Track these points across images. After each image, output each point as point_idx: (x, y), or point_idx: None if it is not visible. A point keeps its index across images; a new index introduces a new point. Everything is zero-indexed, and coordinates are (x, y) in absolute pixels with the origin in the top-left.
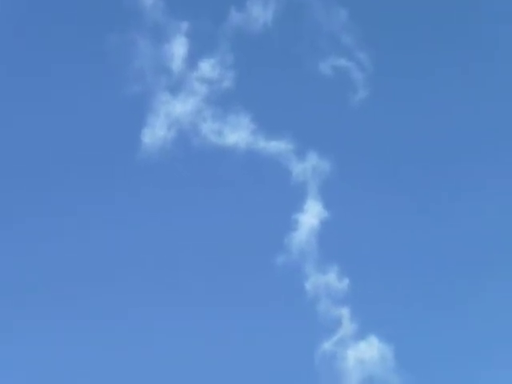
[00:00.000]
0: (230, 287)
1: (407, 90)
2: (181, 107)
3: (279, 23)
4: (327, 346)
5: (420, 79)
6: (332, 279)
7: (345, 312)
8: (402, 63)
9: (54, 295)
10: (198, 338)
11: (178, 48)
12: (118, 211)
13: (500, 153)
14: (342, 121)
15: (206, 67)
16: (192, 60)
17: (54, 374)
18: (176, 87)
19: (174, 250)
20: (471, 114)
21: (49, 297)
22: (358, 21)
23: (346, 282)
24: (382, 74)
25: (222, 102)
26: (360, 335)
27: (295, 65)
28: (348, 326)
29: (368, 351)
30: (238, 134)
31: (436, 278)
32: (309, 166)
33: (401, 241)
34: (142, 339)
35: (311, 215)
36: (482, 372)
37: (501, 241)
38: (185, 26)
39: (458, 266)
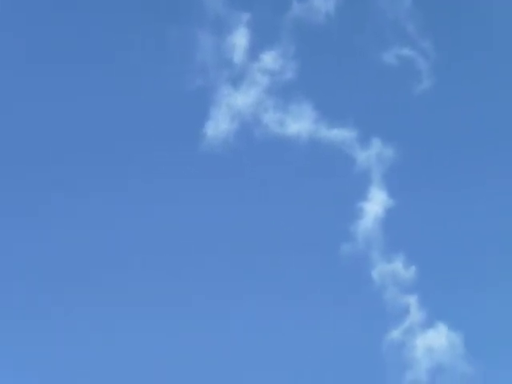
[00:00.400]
0: (298, 276)
1: (471, 79)
2: (243, 99)
3: (341, 13)
4: (395, 334)
5: (483, 69)
6: (398, 267)
7: (412, 300)
8: (467, 51)
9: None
10: (269, 328)
11: (240, 39)
12: (183, 204)
13: None
14: (405, 109)
15: (268, 59)
16: (254, 51)
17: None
18: (238, 79)
19: (241, 241)
20: None
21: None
22: (422, 8)
23: (412, 269)
24: (446, 63)
25: (284, 93)
26: (428, 323)
27: (358, 55)
28: (416, 314)
29: (437, 339)
30: (300, 123)
31: (504, 263)
32: (372, 154)
33: (466, 228)
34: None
35: (376, 203)
36: None
37: None
38: (246, 17)
39: None
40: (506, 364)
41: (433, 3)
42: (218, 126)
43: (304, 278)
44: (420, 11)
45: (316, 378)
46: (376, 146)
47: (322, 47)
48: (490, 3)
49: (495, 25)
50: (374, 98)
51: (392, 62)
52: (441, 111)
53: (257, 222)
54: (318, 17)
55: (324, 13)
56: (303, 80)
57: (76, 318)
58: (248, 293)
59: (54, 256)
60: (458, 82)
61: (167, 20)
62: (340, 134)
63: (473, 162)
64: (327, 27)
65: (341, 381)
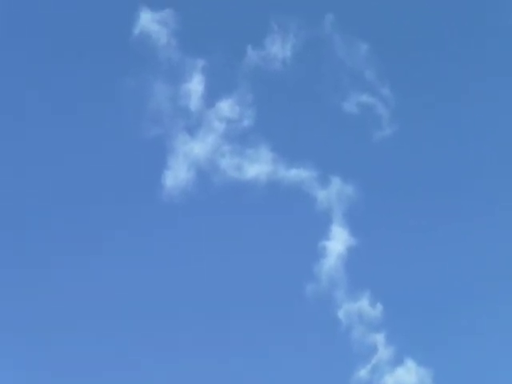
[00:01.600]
0: (263, 320)
1: (431, 124)
2: (200, 146)
3: (298, 60)
4: (363, 373)
5: (442, 113)
6: (364, 306)
7: (380, 338)
8: (426, 96)
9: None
10: (238, 372)
11: (196, 86)
12: (145, 257)
13: None
14: (365, 150)
15: (225, 106)
16: (210, 98)
17: None
18: (194, 127)
19: (201, 287)
20: (497, 149)
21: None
22: (379, 55)
23: (379, 307)
24: (406, 109)
25: (241, 138)
26: (397, 360)
27: (317, 102)
28: (384, 352)
29: (406, 376)
30: (257, 166)
31: (470, 298)
32: (333, 192)
33: (430, 263)
34: None
35: (338, 242)
36: None
37: None
38: (201, 63)
39: (494, 286)
40: None
41: (389, 49)
42: (177, 176)
43: (270, 321)
44: (377, 58)
45: None
46: (336, 184)
47: (279, 94)
48: (445, 47)
49: (452, 69)
50: (333, 139)
51: (352, 110)
52: (400, 155)
53: (220, 267)
54: (275, 64)
55: (280, 60)
56: (260, 125)
57: None
58: (210, 340)
59: None
60: (418, 128)
61: (120, 70)
62: (299, 174)
63: (430, 204)
64: (284, 74)
65: None
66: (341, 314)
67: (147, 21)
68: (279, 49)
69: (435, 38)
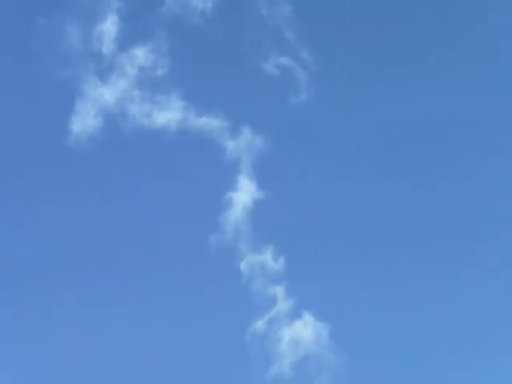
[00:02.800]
0: (166, 268)
1: (349, 90)
2: (110, 92)
3: (219, 13)
4: (260, 324)
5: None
6: (267, 259)
7: (280, 291)
8: (346, 62)
9: None
10: (134, 323)
11: (109, 29)
12: (50, 204)
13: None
14: (277, 107)
15: (139, 53)
16: (124, 43)
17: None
18: (106, 71)
19: (111, 238)
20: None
21: None
22: (302, 17)
23: (281, 261)
24: (325, 73)
25: (152, 86)
26: (295, 314)
27: (234, 58)
28: (283, 305)
29: (303, 330)
30: (167, 113)
31: (371, 254)
32: (242, 143)
33: (335, 218)
34: None
35: (245, 193)
36: (415, 350)
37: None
38: (116, 5)
39: (394, 245)
40: (371, 355)
41: (312, 12)
42: (84, 121)
43: (172, 269)
44: (299, 20)
45: (179, 372)
46: (246, 135)
47: (196, 46)
48: (369, 14)
49: (372, 36)
50: (248, 95)
51: (270, 71)
52: (315, 116)
53: (125, 217)
54: (194, 14)
55: (200, 11)
56: (174, 75)
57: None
58: (119, 289)
59: None
60: (335, 94)
61: (32, 9)
62: (209, 123)
63: (336, 161)
64: (203, 26)
65: (204, 374)
66: (243, 265)
67: None
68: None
69: (359, 4)
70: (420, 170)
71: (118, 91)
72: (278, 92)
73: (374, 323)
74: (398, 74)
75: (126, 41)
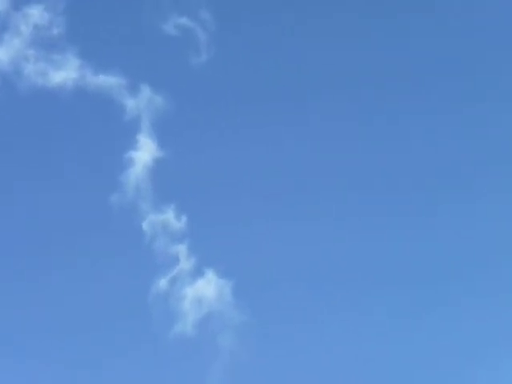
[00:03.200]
0: (65, 231)
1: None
2: (3, 51)
3: None
4: (163, 283)
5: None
6: (169, 218)
7: (182, 249)
8: (246, 24)
9: None
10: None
11: None
12: None
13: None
14: (178, 64)
15: (34, 12)
16: (17, 2)
17: None
18: (1, 32)
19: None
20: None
21: None
22: None
23: (183, 220)
24: (225, 34)
25: (48, 45)
26: (198, 272)
27: (133, 19)
28: (185, 263)
29: (206, 288)
30: (64, 72)
31: (270, 210)
32: (142, 101)
33: (235, 176)
34: None
35: (145, 152)
36: (315, 304)
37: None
38: None
39: (293, 196)
40: (274, 312)
41: None
42: None
43: (72, 230)
44: None
45: (83, 334)
46: (145, 93)
47: (92, 6)
48: None
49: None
50: (147, 53)
51: (170, 32)
52: (215, 71)
53: (21, 179)
54: None
55: None
56: (70, 34)
57: None
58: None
59: None
60: (236, 54)
61: None
62: (107, 81)
63: (238, 118)
64: None
65: (106, 335)
66: (145, 225)
67: None
68: None
69: None
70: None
71: (13, 50)
72: (178, 52)
73: (277, 278)
74: (292, 28)
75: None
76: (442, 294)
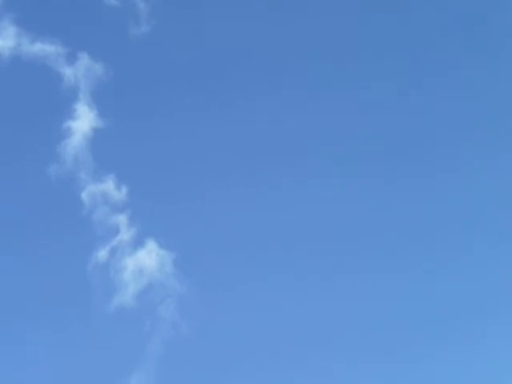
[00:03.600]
0: (3, 203)
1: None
2: None
3: None
4: (103, 254)
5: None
6: (110, 188)
7: (123, 219)
8: None
9: None
10: None
11: None
12: None
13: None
14: (118, 34)
15: None
16: None
17: None
18: None
19: None
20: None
21: None
22: None
23: (124, 190)
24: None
25: None
26: (138, 242)
27: None
28: (126, 234)
29: (147, 259)
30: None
31: (210, 180)
32: (80, 70)
33: (173, 146)
34: None
35: (84, 122)
36: (255, 273)
37: None
38: None
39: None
40: (213, 280)
41: None
42: None
43: (10, 203)
44: None
45: (20, 306)
46: (84, 61)
47: None
48: None
49: None
50: (86, 23)
51: (110, 2)
52: (155, 43)
53: None
54: None
55: None
56: (5, 2)
57: None
58: None
59: None
60: (176, 26)
61: None
62: (44, 49)
63: (172, 85)
64: None
65: (44, 309)
66: (84, 195)
67: None
68: None
69: None
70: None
71: None
72: (118, 23)
73: (217, 249)
74: None
75: None
76: None
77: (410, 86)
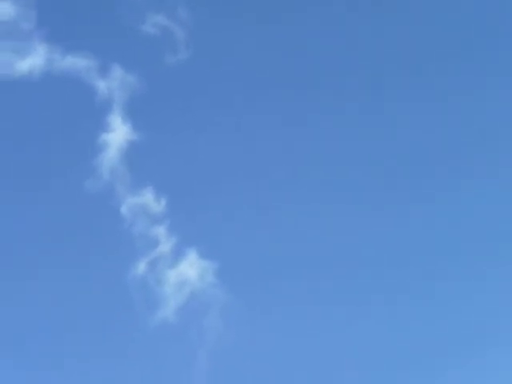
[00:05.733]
0: (44, 219)
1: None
2: None
3: None
4: (143, 267)
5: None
6: (148, 200)
7: (162, 230)
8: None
9: None
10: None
11: None
12: None
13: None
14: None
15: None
16: None
17: None
18: None
19: None
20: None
21: None
22: None
23: (163, 201)
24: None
25: (12, 35)
26: (179, 253)
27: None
28: (166, 245)
29: (188, 269)
30: (30, 59)
31: (251, 191)
32: (114, 82)
33: (212, 157)
34: None
35: (119, 135)
36: (299, 284)
37: None
38: None
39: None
40: (258, 292)
41: None
42: None
43: (51, 220)
44: None
45: (61, 321)
46: (117, 73)
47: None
48: None
49: None
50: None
51: (148, 30)
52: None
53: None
54: None
55: None
56: (40, 29)
57: None
58: None
59: None
60: (214, 53)
61: None
62: (76, 63)
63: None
64: None
65: (86, 323)
66: (123, 209)
67: None
68: None
69: None
70: None
71: None
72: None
73: (260, 258)
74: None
75: None
76: None
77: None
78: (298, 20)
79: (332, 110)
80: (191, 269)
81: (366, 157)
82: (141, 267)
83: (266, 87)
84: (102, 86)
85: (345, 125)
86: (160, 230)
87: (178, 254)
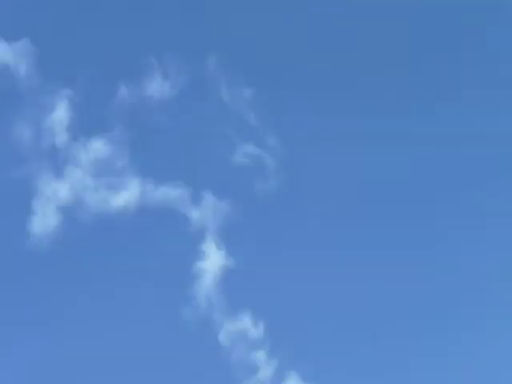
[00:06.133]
0: (141, 349)
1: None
2: (65, 185)
3: (179, 101)
4: None
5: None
6: (245, 326)
7: (262, 355)
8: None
9: None
10: None
11: (61, 118)
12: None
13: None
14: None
15: (96, 144)
16: (77, 135)
17: None
18: (60, 164)
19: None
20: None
21: None
22: (264, 99)
23: (260, 326)
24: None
25: (107, 172)
26: (280, 377)
27: (195, 146)
28: (266, 369)
29: None
30: (125, 193)
31: (353, 309)
32: (206, 210)
33: (310, 277)
34: None
35: (214, 262)
36: None
37: None
38: (66, 93)
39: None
40: None
41: (275, 93)
42: (43, 220)
43: (148, 350)
44: (262, 103)
45: None
46: (209, 201)
47: (155, 135)
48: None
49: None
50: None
51: (237, 159)
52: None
53: (98, 307)
54: (152, 103)
55: (158, 100)
56: (133, 166)
57: None
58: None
59: None
60: (304, 181)
61: None
62: (169, 193)
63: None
64: (162, 114)
65: None
66: (221, 336)
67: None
68: (157, 88)
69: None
70: None
71: (74, 183)
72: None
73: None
74: (365, 151)
75: (78, 132)
76: None
77: None
78: None
79: None
80: None
81: None
82: None
83: (357, 215)
84: (195, 214)
85: None
86: (259, 355)
87: (279, 379)
